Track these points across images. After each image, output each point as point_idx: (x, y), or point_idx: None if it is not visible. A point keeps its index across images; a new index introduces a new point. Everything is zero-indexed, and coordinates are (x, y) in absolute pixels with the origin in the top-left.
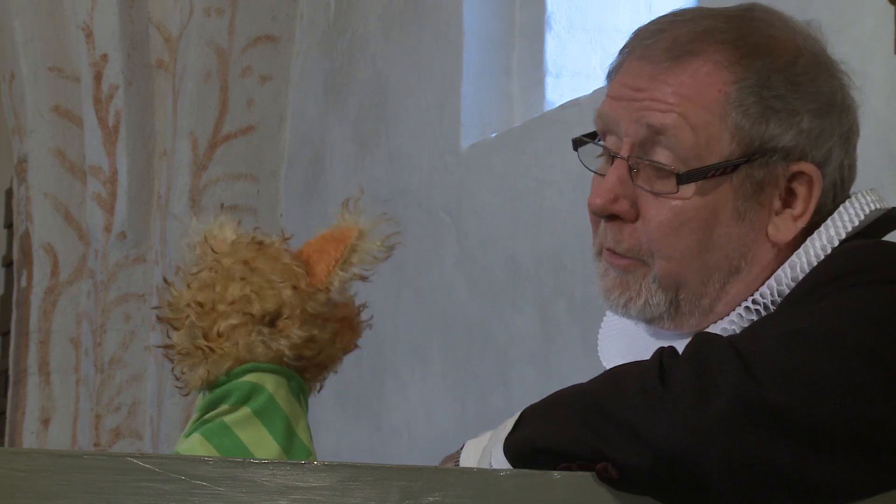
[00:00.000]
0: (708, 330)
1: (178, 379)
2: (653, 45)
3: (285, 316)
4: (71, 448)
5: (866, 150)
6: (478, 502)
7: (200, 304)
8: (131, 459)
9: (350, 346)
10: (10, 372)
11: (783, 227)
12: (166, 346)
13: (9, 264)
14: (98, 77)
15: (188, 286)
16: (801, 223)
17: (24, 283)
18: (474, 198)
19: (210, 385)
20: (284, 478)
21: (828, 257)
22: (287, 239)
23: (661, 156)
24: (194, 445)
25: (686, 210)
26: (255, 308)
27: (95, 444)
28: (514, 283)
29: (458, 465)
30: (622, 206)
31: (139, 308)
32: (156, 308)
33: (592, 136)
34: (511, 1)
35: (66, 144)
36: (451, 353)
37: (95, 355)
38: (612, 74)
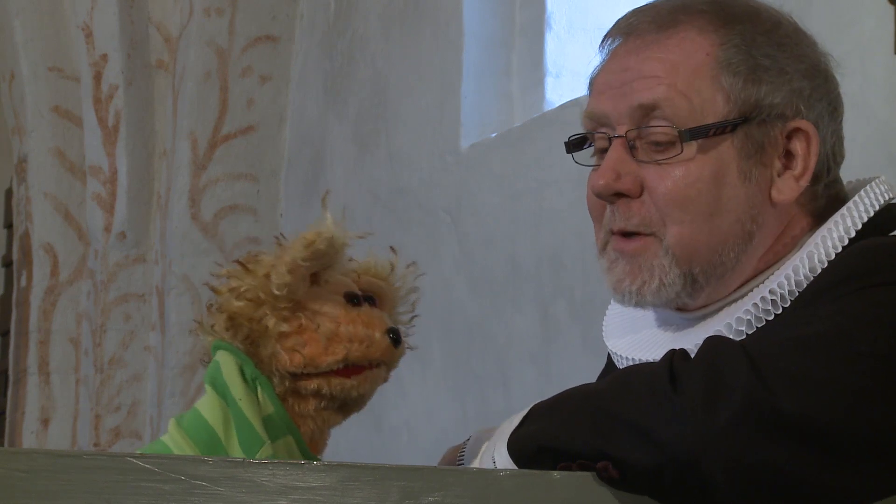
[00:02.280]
0: (723, 313)
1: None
2: (636, 22)
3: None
4: (71, 448)
5: (866, 150)
6: (478, 502)
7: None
8: (131, 459)
9: (296, 362)
10: (10, 372)
11: (785, 187)
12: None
13: (9, 264)
14: (98, 77)
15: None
16: (804, 182)
17: (23, 283)
18: (474, 198)
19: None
20: (284, 478)
21: (842, 255)
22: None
23: (660, 126)
24: (170, 430)
25: (692, 171)
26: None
27: (95, 444)
28: (514, 283)
29: (462, 454)
30: (626, 183)
31: (139, 308)
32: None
33: (583, 142)
34: (511, 1)
35: (66, 144)
36: (451, 353)
37: (95, 355)
38: (599, 68)
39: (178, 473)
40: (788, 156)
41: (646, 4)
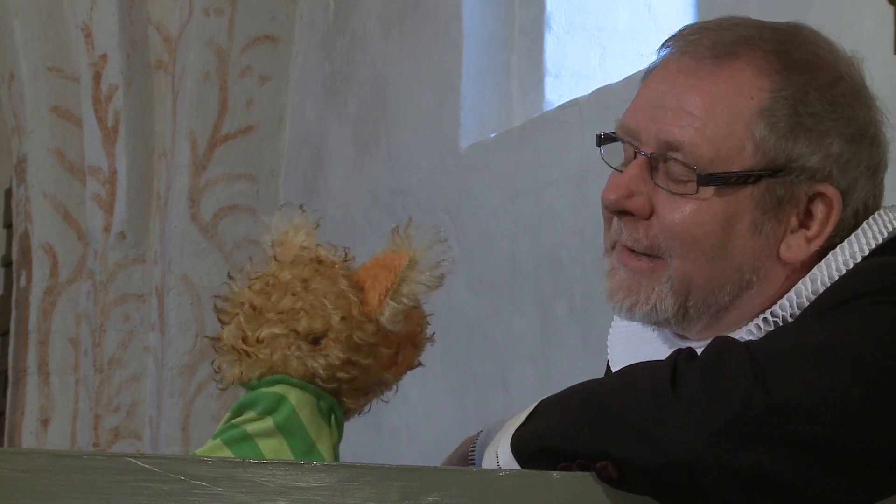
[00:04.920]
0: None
1: (216, 372)
2: (696, 42)
3: (330, 338)
4: (70, 448)
5: None
6: (477, 502)
7: (253, 307)
8: (131, 459)
9: (412, 364)
10: (10, 372)
11: (795, 246)
12: (214, 338)
13: (8, 264)
14: (97, 77)
15: (249, 287)
16: (815, 246)
17: (23, 283)
18: (474, 198)
19: (243, 385)
20: (284, 478)
21: (852, 272)
22: (348, 260)
23: (680, 163)
24: (213, 451)
25: (703, 211)
26: (302, 325)
27: (95, 445)
28: (513, 283)
29: (474, 446)
30: (636, 203)
31: (138, 308)
32: (216, 297)
33: (613, 138)
34: (510, 1)
35: (66, 144)
36: (451, 353)
37: (94, 355)
38: (649, 73)
39: (177, 473)
40: (808, 214)
41: (713, 22)
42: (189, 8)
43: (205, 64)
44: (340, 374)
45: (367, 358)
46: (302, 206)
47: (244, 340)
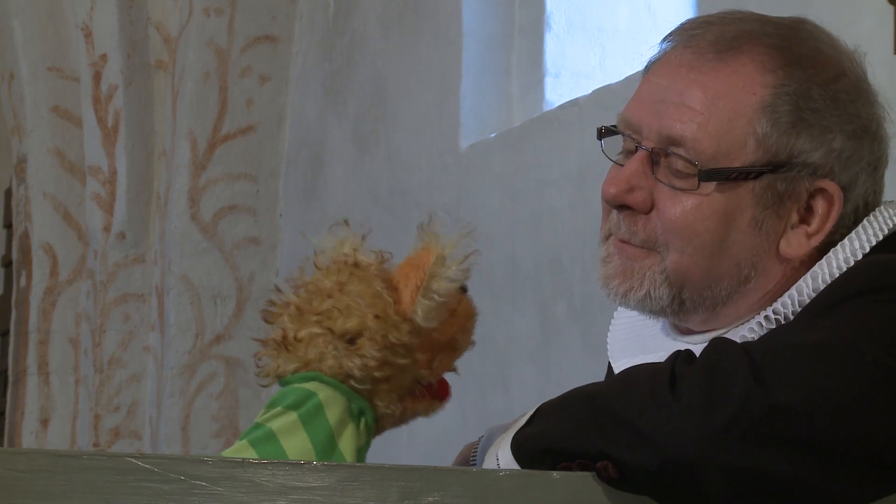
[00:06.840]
0: (729, 336)
1: (257, 367)
2: (699, 36)
3: (366, 338)
4: (70, 448)
5: None
6: (477, 502)
7: (298, 308)
8: (131, 459)
9: (448, 368)
10: (10, 372)
11: (795, 242)
12: (262, 341)
13: (8, 264)
14: (97, 77)
15: (295, 292)
16: (815, 241)
17: (23, 283)
18: (474, 198)
19: (279, 380)
20: (284, 478)
21: (853, 270)
22: (384, 261)
23: (681, 157)
24: (239, 451)
25: (704, 206)
26: (337, 324)
27: (95, 445)
28: (513, 283)
29: (476, 452)
30: (636, 198)
31: (138, 308)
32: (265, 309)
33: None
34: (510, 1)
35: (66, 144)
36: None
37: (94, 355)
38: (651, 66)
39: (177, 473)
40: (808, 210)
41: (715, 16)
42: (189, 8)
43: (205, 64)
44: (377, 374)
45: (404, 358)
46: (346, 221)
47: (284, 338)
